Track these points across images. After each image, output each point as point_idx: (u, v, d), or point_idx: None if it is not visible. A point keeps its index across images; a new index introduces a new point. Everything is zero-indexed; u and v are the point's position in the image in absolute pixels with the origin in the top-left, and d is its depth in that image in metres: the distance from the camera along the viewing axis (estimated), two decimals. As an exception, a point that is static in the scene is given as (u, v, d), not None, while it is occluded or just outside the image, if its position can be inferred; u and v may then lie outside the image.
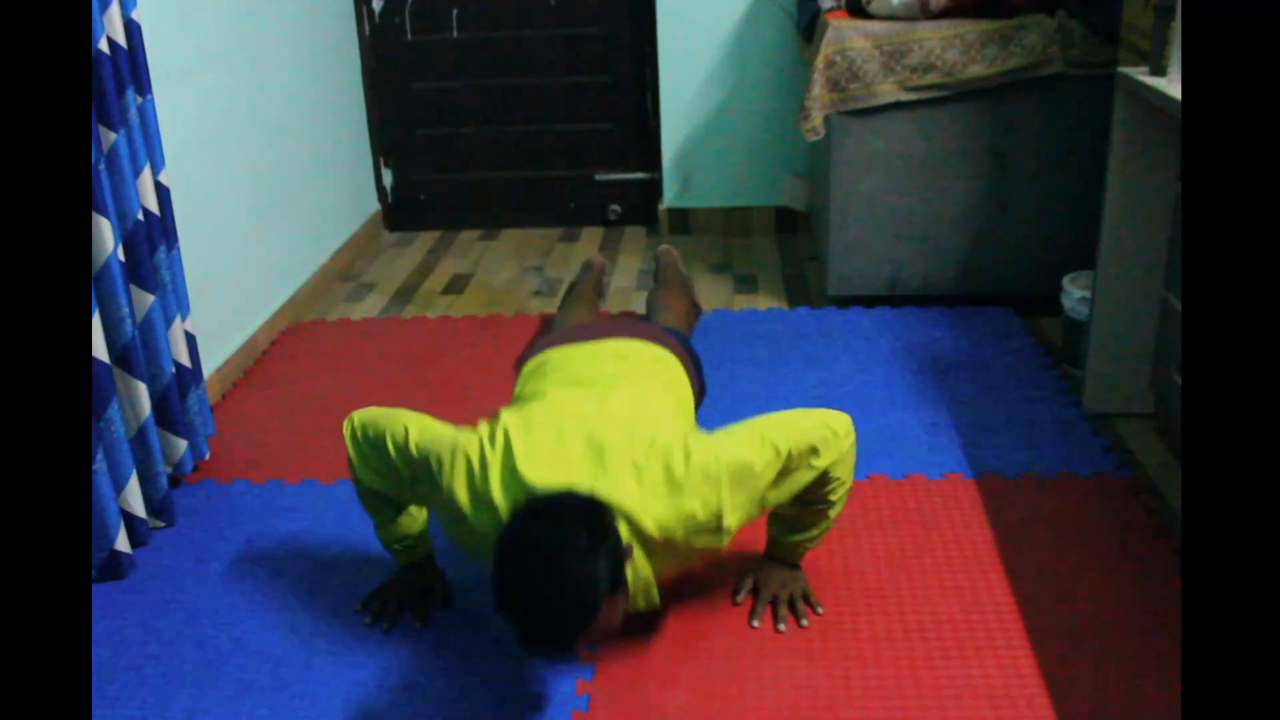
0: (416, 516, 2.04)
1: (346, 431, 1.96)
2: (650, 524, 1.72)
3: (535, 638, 1.59)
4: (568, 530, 1.57)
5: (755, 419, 1.86)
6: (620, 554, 1.63)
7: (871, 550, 2.17)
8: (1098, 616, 1.96)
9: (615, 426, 1.81)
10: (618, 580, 1.62)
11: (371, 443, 1.91)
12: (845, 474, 1.91)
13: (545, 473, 1.73)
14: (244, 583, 2.18)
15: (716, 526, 1.76)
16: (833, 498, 1.92)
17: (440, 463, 1.79)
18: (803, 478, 1.84)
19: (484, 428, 1.83)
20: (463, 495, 1.77)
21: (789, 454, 1.80)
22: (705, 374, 2.69)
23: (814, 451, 1.83)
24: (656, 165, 4.19)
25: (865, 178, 3.17)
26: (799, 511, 1.95)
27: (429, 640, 1.99)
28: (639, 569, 1.76)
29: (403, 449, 1.85)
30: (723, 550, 1.86)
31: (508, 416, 1.84)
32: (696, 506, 1.74)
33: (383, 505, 2.00)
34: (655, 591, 1.83)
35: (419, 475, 1.85)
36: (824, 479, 1.87)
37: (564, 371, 2.06)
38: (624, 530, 1.70)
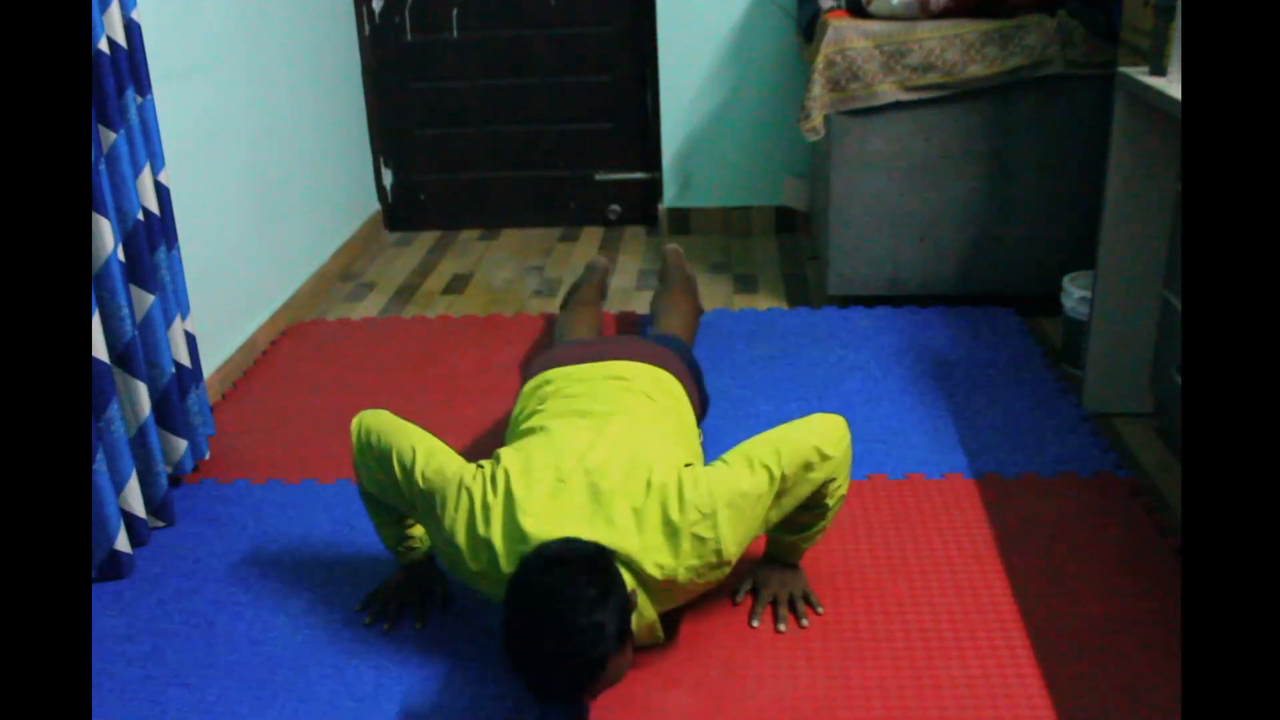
0: (410, 521, 2.05)
1: (354, 431, 1.96)
2: (651, 568, 1.74)
3: (546, 693, 1.61)
4: (575, 584, 1.59)
5: (748, 443, 1.87)
6: (626, 603, 1.64)
7: (871, 550, 2.17)
8: (1098, 616, 1.96)
9: (613, 467, 1.82)
10: (625, 630, 1.63)
11: (377, 454, 1.91)
12: (842, 477, 1.91)
13: (545, 522, 1.75)
14: (244, 582, 2.18)
15: (716, 562, 1.78)
16: (829, 501, 1.92)
17: (444, 501, 1.80)
18: (801, 492, 1.86)
19: (487, 467, 1.84)
20: (462, 537, 1.78)
21: (784, 476, 1.81)
22: (705, 375, 2.70)
23: (809, 466, 1.84)
24: (656, 165, 4.19)
25: (865, 178, 3.17)
26: (797, 515, 1.95)
27: (428, 641, 1.99)
28: (643, 612, 1.78)
29: (408, 472, 1.86)
30: (724, 578, 1.87)
31: (509, 458, 1.85)
32: (696, 546, 1.76)
33: (383, 507, 2.00)
34: (660, 630, 1.85)
35: (418, 503, 1.86)
36: (822, 486, 1.88)
37: (562, 399, 2.07)
38: (627, 577, 1.72)
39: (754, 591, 2.05)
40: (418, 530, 2.04)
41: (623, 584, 1.65)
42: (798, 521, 1.96)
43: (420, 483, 1.84)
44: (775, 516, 1.85)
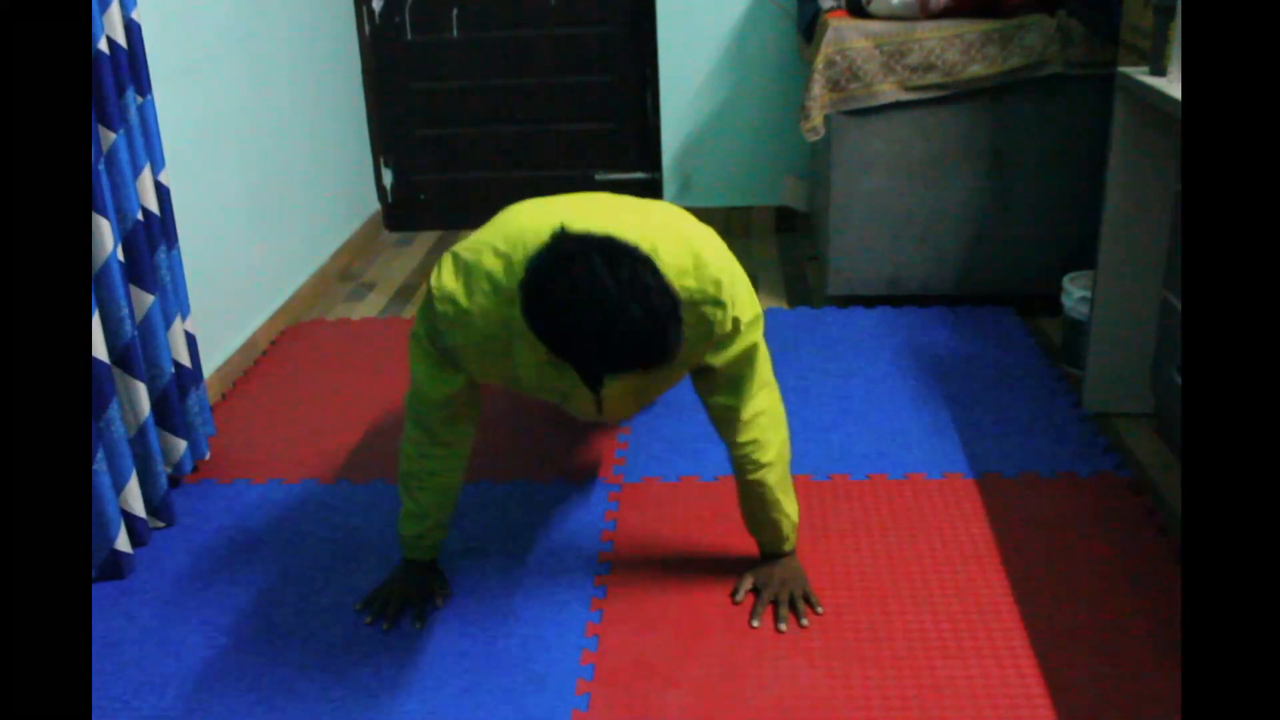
0: (440, 522, 2.05)
1: (406, 402, 1.95)
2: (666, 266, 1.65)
3: (621, 349, 1.43)
4: (619, 244, 1.47)
5: None
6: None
7: (871, 550, 2.18)
8: (1098, 616, 1.97)
9: (602, 198, 1.77)
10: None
11: (414, 381, 1.89)
12: (773, 447, 1.91)
13: (546, 223, 1.65)
14: (244, 583, 2.18)
15: (717, 298, 1.69)
16: (767, 477, 1.92)
17: (437, 270, 1.73)
18: (733, 357, 1.79)
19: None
20: (459, 290, 1.68)
21: (756, 317, 1.79)
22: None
23: (757, 353, 1.81)
24: (656, 165, 4.19)
25: (865, 178, 3.17)
26: (748, 502, 1.98)
27: (428, 640, 1.99)
28: None
29: (420, 358, 1.83)
30: (707, 353, 1.79)
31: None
32: (698, 267, 1.67)
33: (421, 489, 1.98)
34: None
35: (446, 343, 1.76)
36: (741, 393, 1.85)
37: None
38: None
39: (754, 591, 2.06)
40: (437, 530, 2.05)
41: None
42: (755, 512, 1.99)
43: (425, 333, 1.80)
44: (719, 363, 1.79)
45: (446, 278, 1.72)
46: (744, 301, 1.77)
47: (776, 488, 1.96)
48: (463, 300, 1.69)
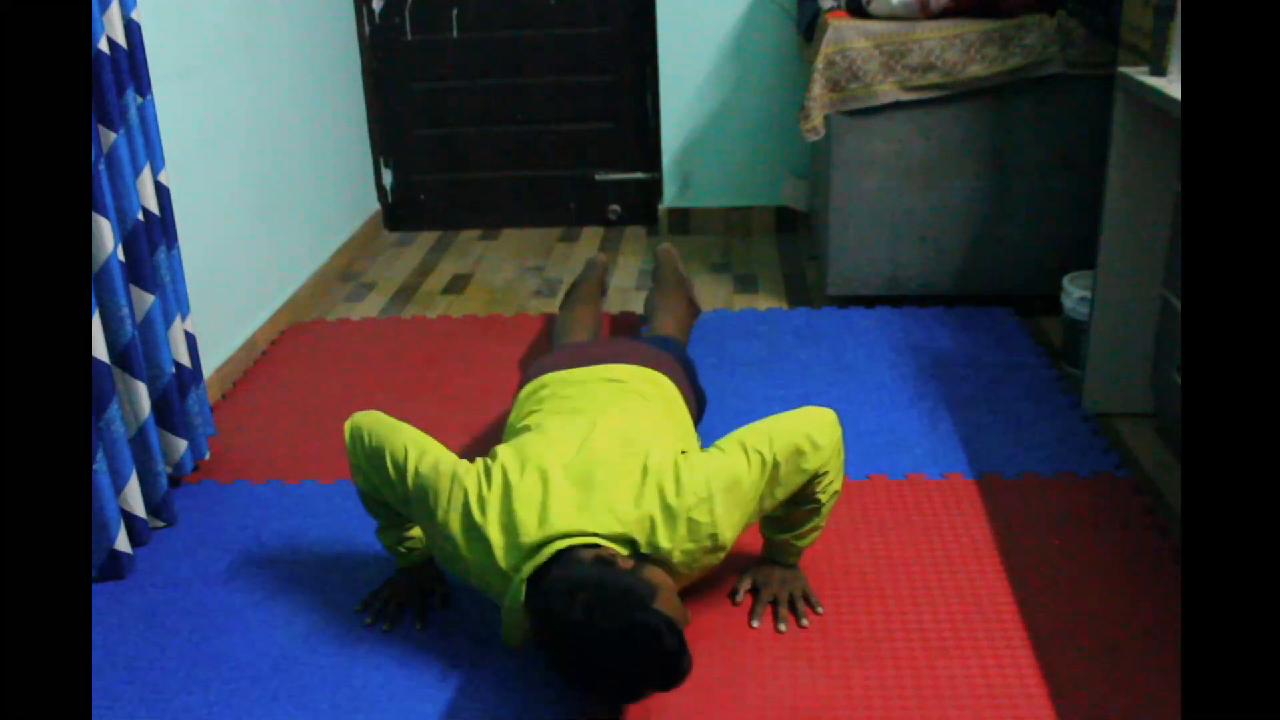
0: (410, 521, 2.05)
1: (347, 434, 1.96)
2: (646, 547, 1.77)
3: (637, 690, 1.67)
4: (617, 591, 1.61)
5: (741, 430, 1.89)
6: (659, 598, 1.65)
7: (871, 550, 2.18)
8: (1098, 616, 1.97)
9: (609, 455, 1.84)
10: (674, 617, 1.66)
11: (370, 454, 1.92)
12: (834, 471, 1.92)
13: (541, 512, 1.76)
14: (244, 583, 2.18)
15: (711, 546, 1.80)
16: (821, 496, 1.92)
17: (437, 495, 1.81)
18: (793, 481, 1.86)
19: (480, 463, 1.86)
20: (457, 527, 1.79)
21: (775, 460, 1.82)
22: (705, 375, 2.70)
23: (800, 453, 1.84)
24: (656, 165, 4.19)
25: (865, 178, 3.17)
26: (790, 511, 1.96)
27: (429, 640, 1.99)
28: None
29: (401, 469, 1.87)
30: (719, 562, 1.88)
31: (504, 453, 1.87)
32: (692, 530, 1.77)
33: (383, 508, 2.00)
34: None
35: (413, 500, 1.86)
36: (813, 477, 1.89)
37: (557, 400, 2.09)
38: (625, 552, 1.75)
39: (754, 591, 2.05)
40: (416, 532, 2.04)
41: (642, 580, 1.66)
42: (792, 518, 1.97)
43: (413, 479, 1.85)
44: (768, 505, 1.87)
45: (454, 521, 1.80)
46: (736, 520, 1.82)
47: (825, 508, 1.97)
48: (463, 550, 1.80)
